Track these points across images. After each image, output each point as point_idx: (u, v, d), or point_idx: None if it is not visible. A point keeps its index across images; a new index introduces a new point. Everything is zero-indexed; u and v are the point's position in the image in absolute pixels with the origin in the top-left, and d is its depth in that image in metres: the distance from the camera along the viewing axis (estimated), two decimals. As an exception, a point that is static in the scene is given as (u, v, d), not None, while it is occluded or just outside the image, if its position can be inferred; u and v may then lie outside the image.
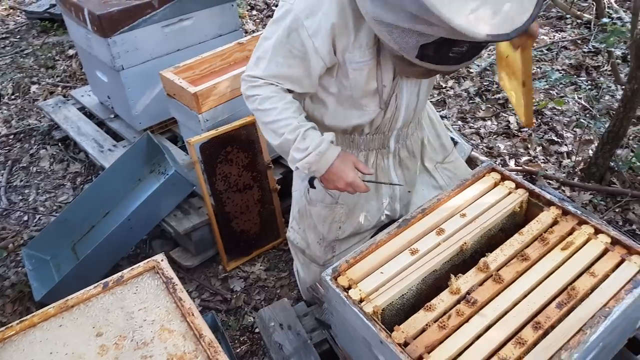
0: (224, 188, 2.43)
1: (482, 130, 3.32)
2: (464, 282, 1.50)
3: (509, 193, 1.76)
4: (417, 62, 1.40)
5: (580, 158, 2.89)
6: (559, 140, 3.09)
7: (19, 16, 5.77)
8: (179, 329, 1.51)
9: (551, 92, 3.46)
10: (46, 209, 3.26)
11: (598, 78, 3.59)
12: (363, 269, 1.58)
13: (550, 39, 4.21)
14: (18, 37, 5.39)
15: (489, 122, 3.37)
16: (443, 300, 1.46)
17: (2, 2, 6.11)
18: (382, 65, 1.63)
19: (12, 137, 3.96)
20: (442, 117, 2.93)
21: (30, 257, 2.66)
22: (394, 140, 1.88)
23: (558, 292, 1.45)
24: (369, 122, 1.78)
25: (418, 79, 1.74)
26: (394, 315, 1.52)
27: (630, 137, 2.97)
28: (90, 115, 3.71)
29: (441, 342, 1.35)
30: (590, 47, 4.00)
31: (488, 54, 3.96)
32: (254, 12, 5.50)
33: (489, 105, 3.51)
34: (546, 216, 1.66)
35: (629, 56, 2.82)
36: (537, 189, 1.75)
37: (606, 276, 1.48)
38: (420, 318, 1.42)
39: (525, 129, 3.15)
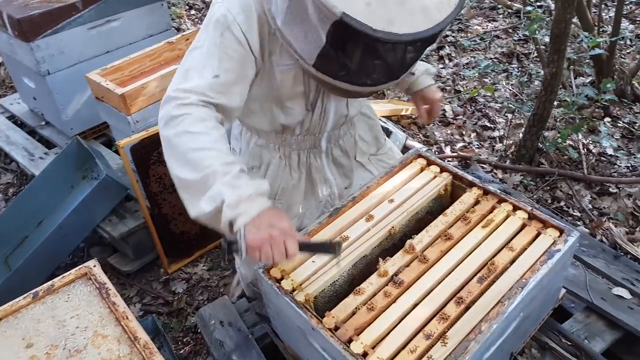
0: (159, 190, 2.42)
1: (419, 120, 3.43)
2: (391, 264, 1.56)
3: (434, 177, 1.84)
4: (313, 72, 1.35)
5: (511, 142, 3.03)
6: (492, 125, 3.23)
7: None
8: (113, 334, 1.51)
9: (485, 80, 3.62)
10: (-23, 223, 3.15)
11: (528, 65, 3.78)
12: (295, 259, 1.62)
13: (483, 28, 4.39)
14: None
15: (425, 112, 3.47)
16: (372, 283, 1.51)
17: None
18: None
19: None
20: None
21: (-39, 273, 2.57)
22: (325, 140, 1.90)
23: (479, 268, 1.53)
24: (299, 123, 1.78)
25: None
26: (327, 302, 1.56)
27: (558, 119, 3.14)
28: (21, 123, 3.60)
29: (370, 323, 1.40)
30: (521, 35, 4.20)
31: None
32: (193, 12, 5.45)
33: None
34: (468, 197, 1.74)
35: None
36: (460, 172, 1.83)
37: (523, 250, 1.57)
38: (350, 302, 1.46)
39: (460, 117, 3.28)
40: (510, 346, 1.64)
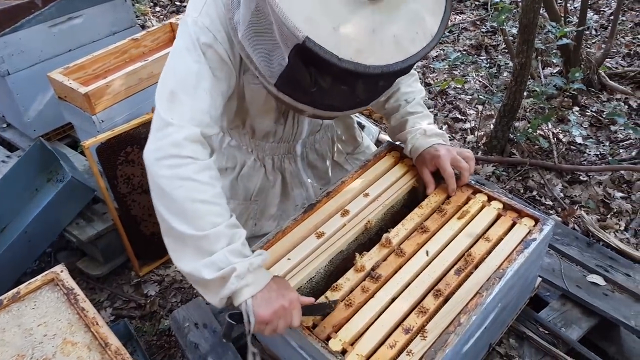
0: (127, 191, 2.36)
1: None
2: (368, 259, 1.54)
3: (408, 170, 1.82)
4: (274, 92, 1.26)
5: (482, 133, 3.05)
6: (463, 117, 3.25)
7: None
8: (83, 340, 1.47)
9: (454, 72, 3.64)
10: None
11: (497, 56, 3.81)
12: (271, 256, 1.57)
13: (451, 21, 4.41)
14: None
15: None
16: (349, 279, 1.49)
17: None
18: None
19: None
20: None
21: None
22: (300, 146, 1.85)
23: (456, 260, 1.52)
24: (270, 133, 1.72)
25: None
26: (304, 300, 1.54)
27: (528, 110, 3.18)
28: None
29: (348, 319, 1.38)
30: (489, 27, 4.24)
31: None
32: (158, 9, 5.34)
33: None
34: (443, 188, 1.74)
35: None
36: (433, 163, 1.82)
37: (500, 240, 1.57)
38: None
39: (431, 109, 3.29)
40: (489, 337, 1.63)
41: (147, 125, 2.34)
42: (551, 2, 3.16)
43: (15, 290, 1.57)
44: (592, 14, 4.46)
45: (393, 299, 1.43)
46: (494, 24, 4.23)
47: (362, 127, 2.66)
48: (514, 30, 3.93)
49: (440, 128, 3.22)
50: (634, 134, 3.00)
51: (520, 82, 2.52)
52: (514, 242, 1.55)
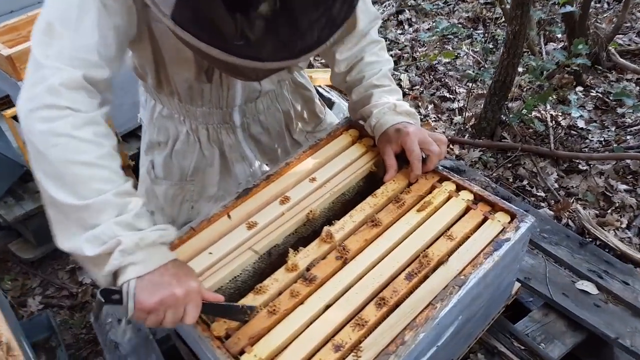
0: (59, 166, 2.10)
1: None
2: (304, 256, 1.30)
3: (366, 151, 1.57)
4: (171, 27, 0.96)
5: (471, 114, 2.78)
6: (451, 96, 2.97)
7: None
8: None
9: (447, 47, 3.34)
10: None
11: (495, 30, 3.50)
12: (189, 250, 1.36)
13: (448, -8, 4.10)
14: None
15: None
16: (277, 279, 1.26)
17: None
18: None
19: None
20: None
21: None
22: (239, 115, 1.62)
23: (409, 261, 1.28)
24: (198, 92, 1.50)
25: None
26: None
27: (524, 89, 2.89)
28: None
29: (269, 330, 1.15)
30: (487, -2, 3.92)
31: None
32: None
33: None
34: (404, 174, 1.47)
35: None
36: (396, 144, 1.56)
37: (466, 238, 1.33)
38: (248, 303, 1.21)
39: (417, 87, 3.01)
40: (449, 353, 1.40)
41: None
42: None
43: None
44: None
45: (327, 307, 1.20)
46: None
47: (331, 103, 2.40)
48: None
49: (426, 108, 2.97)
50: (643, 118, 2.72)
51: (513, 54, 2.24)
52: (482, 241, 1.31)
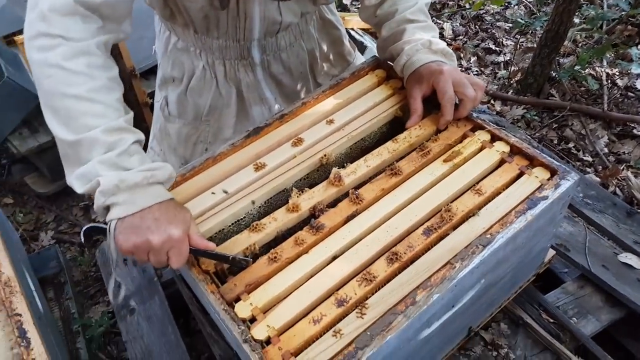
0: (74, 99, 2.04)
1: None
2: (308, 197, 1.22)
3: (392, 94, 1.43)
4: None
5: (517, 68, 2.56)
6: (497, 49, 2.75)
7: None
8: None
9: (498, -6, 3.09)
10: None
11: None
12: (191, 188, 1.29)
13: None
14: None
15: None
16: (276, 219, 1.17)
17: None
18: None
19: None
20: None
21: None
22: (257, 50, 1.50)
23: (430, 215, 1.16)
24: (213, 21, 1.39)
25: None
26: (228, 247, 1.22)
27: (579, 44, 2.64)
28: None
29: (268, 278, 1.07)
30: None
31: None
32: None
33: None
34: (432, 120, 1.33)
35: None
36: (426, 88, 1.41)
37: (497, 193, 1.20)
38: (242, 241, 1.14)
39: (460, 37, 2.79)
40: (467, 319, 1.29)
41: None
42: None
43: None
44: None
45: (333, 258, 1.10)
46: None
47: (364, 48, 2.23)
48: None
49: (468, 60, 2.76)
50: None
51: (569, 0, 2.00)
52: (515, 198, 1.17)
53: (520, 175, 1.22)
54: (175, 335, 1.54)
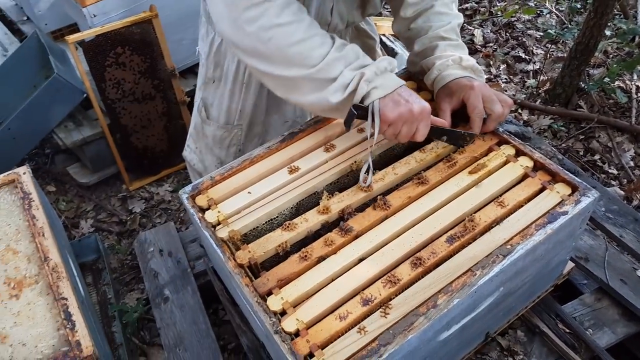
0: (116, 97, 2.15)
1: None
2: (338, 201, 1.29)
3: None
4: None
5: (546, 77, 2.58)
6: (527, 57, 2.77)
7: None
8: (25, 250, 1.39)
9: (529, 3, 3.10)
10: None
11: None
12: (228, 187, 1.36)
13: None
14: None
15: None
16: (307, 219, 1.25)
17: None
18: None
19: None
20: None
21: None
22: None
23: (453, 224, 1.22)
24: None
25: None
26: (261, 245, 1.30)
27: (610, 55, 2.64)
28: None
29: (299, 275, 1.14)
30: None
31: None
32: None
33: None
34: (460, 133, 1.39)
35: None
36: (457, 100, 1.47)
37: (518, 207, 1.25)
38: (274, 238, 1.22)
39: (490, 44, 2.82)
40: (485, 325, 1.34)
41: (141, 25, 2.09)
42: None
43: (-28, 184, 1.50)
44: None
45: (360, 260, 1.17)
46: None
47: (394, 54, 2.29)
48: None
49: (498, 67, 2.79)
50: None
51: (601, 13, 2.03)
52: (536, 212, 1.23)
53: (542, 190, 1.28)
54: (206, 324, 1.62)
